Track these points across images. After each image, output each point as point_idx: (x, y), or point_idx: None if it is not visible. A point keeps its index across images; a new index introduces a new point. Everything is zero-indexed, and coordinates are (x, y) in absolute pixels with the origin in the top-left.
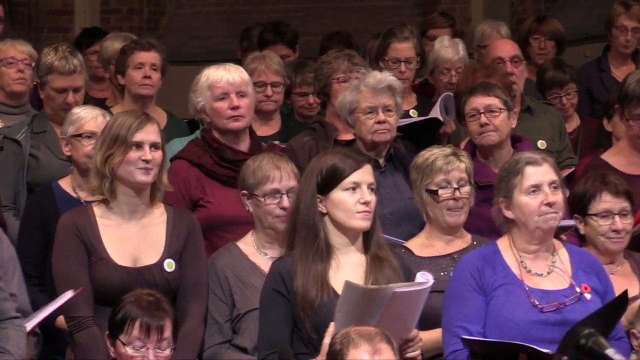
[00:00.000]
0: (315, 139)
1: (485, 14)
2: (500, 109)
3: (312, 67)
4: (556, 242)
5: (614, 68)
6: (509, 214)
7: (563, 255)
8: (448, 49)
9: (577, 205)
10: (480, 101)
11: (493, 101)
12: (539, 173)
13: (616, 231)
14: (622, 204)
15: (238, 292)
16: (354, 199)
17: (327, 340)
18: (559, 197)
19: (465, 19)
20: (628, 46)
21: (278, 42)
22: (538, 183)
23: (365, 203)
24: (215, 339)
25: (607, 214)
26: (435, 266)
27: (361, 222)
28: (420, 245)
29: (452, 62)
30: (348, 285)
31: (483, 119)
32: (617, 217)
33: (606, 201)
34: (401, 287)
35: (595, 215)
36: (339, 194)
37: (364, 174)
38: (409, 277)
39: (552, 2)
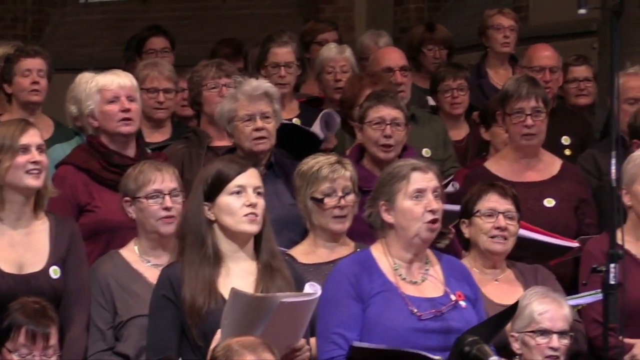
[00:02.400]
0: (189, 146)
1: (368, 23)
2: (404, 124)
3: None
4: (429, 251)
5: (492, 74)
6: (388, 218)
7: (435, 263)
8: (333, 49)
9: (464, 210)
10: (387, 112)
11: (399, 115)
12: (425, 179)
13: (499, 228)
14: (508, 205)
15: (120, 299)
16: (240, 202)
17: (213, 347)
18: (440, 205)
19: (348, 27)
20: (507, 44)
21: (160, 35)
22: (423, 188)
23: (252, 205)
24: (98, 346)
25: (492, 212)
26: (318, 273)
27: (248, 226)
28: (304, 252)
29: (336, 61)
30: (235, 293)
31: (388, 130)
32: (501, 216)
33: (492, 200)
34: (288, 298)
35: (479, 212)
36: (225, 199)
37: (249, 177)
38: (301, 288)
39: (435, 11)
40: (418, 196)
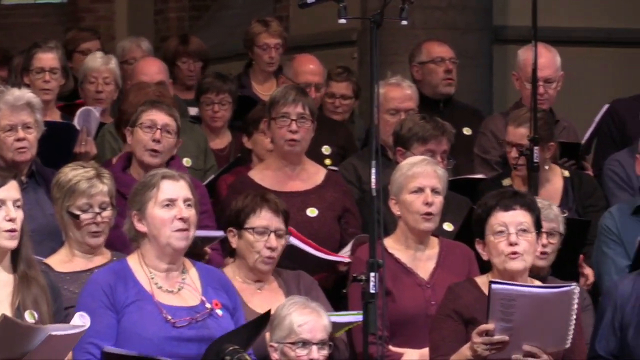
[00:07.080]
0: None
1: (129, 32)
2: (174, 131)
3: None
4: (186, 260)
5: (256, 85)
6: (141, 227)
7: (193, 273)
8: (98, 59)
9: (234, 220)
10: (160, 117)
11: (171, 122)
12: (176, 188)
13: (270, 248)
14: (280, 224)
15: None
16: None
17: None
18: (191, 213)
19: (109, 37)
20: (272, 63)
21: None
22: (173, 197)
23: (12, 220)
24: None
25: (264, 230)
26: (75, 281)
27: (8, 242)
28: (61, 261)
29: (100, 72)
30: (5, 319)
31: (158, 134)
32: (272, 235)
33: (265, 218)
34: (59, 330)
35: (252, 229)
36: None
37: (9, 191)
38: (57, 296)
39: (196, 20)
40: (169, 204)
